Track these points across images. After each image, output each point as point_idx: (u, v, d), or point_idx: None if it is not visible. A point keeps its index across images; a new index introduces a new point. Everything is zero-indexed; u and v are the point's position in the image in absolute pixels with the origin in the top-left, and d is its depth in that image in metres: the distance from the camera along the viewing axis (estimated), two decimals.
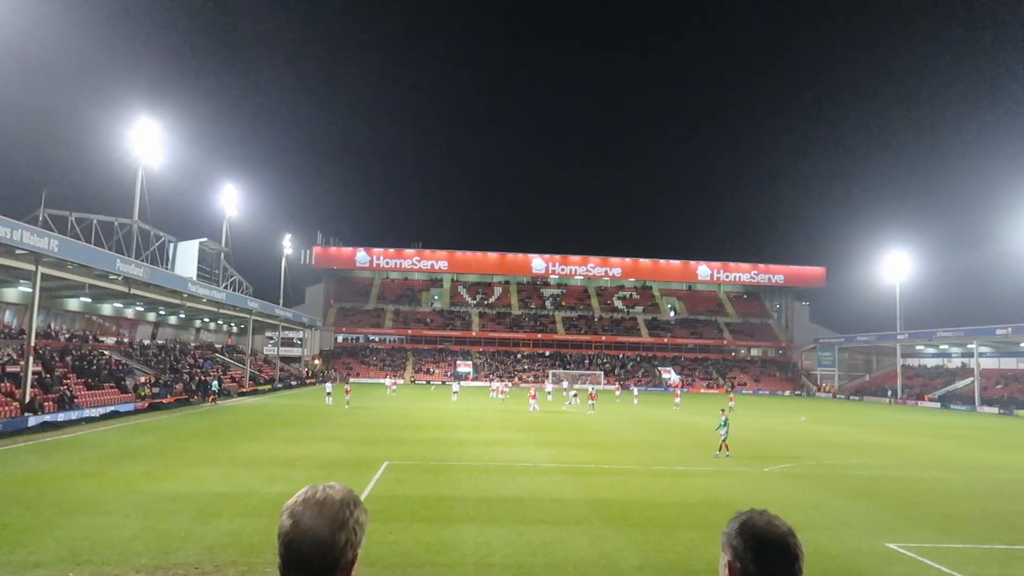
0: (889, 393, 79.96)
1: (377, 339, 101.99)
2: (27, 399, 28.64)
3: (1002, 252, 78.85)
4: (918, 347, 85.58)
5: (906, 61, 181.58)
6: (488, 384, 71.87)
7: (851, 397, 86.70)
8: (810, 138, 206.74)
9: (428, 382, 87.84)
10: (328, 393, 47.40)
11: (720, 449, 23.98)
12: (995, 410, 64.20)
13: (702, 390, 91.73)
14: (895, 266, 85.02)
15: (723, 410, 25.09)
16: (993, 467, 24.31)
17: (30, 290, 30.43)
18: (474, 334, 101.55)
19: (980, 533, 13.83)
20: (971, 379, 71.98)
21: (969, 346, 73.67)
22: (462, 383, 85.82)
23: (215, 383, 46.80)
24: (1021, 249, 70.78)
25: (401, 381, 77.75)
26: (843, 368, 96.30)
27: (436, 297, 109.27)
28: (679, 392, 59.38)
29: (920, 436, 36.08)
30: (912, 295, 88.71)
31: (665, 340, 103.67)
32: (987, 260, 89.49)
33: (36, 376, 31.52)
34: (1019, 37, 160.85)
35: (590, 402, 47.62)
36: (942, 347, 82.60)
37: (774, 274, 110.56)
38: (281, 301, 75.10)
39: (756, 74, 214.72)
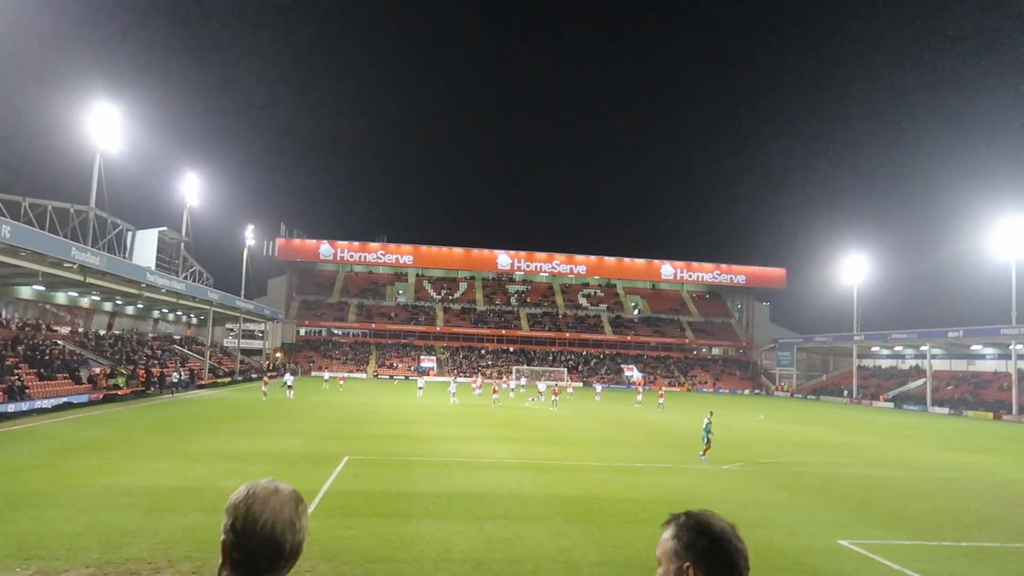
0: (845, 393, 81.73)
1: (340, 333, 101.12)
2: None
3: (955, 257, 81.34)
4: (873, 348, 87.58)
5: (865, 67, 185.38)
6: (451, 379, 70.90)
7: (808, 396, 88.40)
8: (772, 141, 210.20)
9: (391, 376, 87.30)
10: (289, 387, 46.99)
11: (705, 452, 23.04)
12: (946, 411, 66.01)
13: (663, 388, 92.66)
14: (853, 268, 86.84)
15: (711, 412, 23.97)
16: (942, 466, 24.98)
17: None
18: (438, 329, 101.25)
19: (928, 530, 14.20)
20: (923, 380, 73.92)
21: (922, 348, 75.61)
22: (426, 379, 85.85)
23: (175, 375, 45.99)
24: (973, 254, 72.97)
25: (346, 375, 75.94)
26: (801, 368, 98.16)
27: (401, 292, 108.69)
28: (641, 390, 59.94)
29: (873, 435, 36.91)
30: (869, 297, 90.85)
31: (628, 338, 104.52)
32: (941, 264, 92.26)
33: None
34: (974, 45, 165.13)
35: (553, 398, 47.99)
36: (896, 348, 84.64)
37: (736, 274, 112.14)
38: (243, 293, 73.96)
39: (719, 78, 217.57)
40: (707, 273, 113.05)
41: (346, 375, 71.44)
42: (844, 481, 20.19)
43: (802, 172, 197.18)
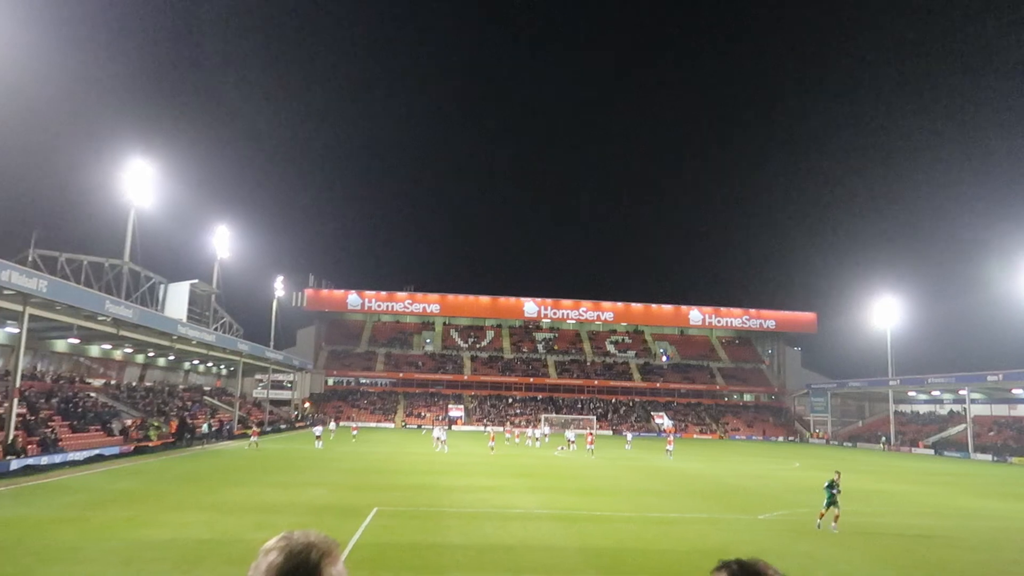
0: (883, 439, 79.58)
1: (368, 382, 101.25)
2: (10, 442, 28.14)
3: (993, 298, 79.64)
4: (910, 393, 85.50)
5: (896, 106, 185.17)
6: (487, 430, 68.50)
7: (844, 443, 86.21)
8: (801, 183, 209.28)
9: (419, 426, 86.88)
10: (317, 437, 47.05)
11: (822, 516, 19.36)
12: (989, 457, 63.90)
13: (695, 435, 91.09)
14: (886, 311, 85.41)
15: (838, 473, 19.98)
16: (987, 515, 24.09)
17: (17, 331, 30.13)
18: (466, 378, 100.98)
19: None
20: (964, 425, 71.79)
21: (961, 392, 73.64)
22: (453, 427, 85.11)
23: (205, 426, 46.18)
24: (1012, 295, 71.32)
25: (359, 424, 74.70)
26: (836, 414, 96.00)
27: (428, 340, 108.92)
28: (672, 439, 58.56)
29: (913, 483, 35.80)
30: (903, 341, 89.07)
31: (658, 385, 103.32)
32: (978, 306, 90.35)
33: (20, 418, 31.05)
34: (1010, 85, 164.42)
35: (589, 447, 47.78)
36: (934, 393, 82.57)
37: (765, 319, 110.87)
38: (272, 343, 74.62)
39: (747, 119, 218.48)
40: (736, 318, 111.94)
41: (358, 424, 69.19)
42: (885, 530, 19.54)
43: (832, 214, 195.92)
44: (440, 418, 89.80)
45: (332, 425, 49.02)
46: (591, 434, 50.98)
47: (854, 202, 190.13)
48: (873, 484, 34.15)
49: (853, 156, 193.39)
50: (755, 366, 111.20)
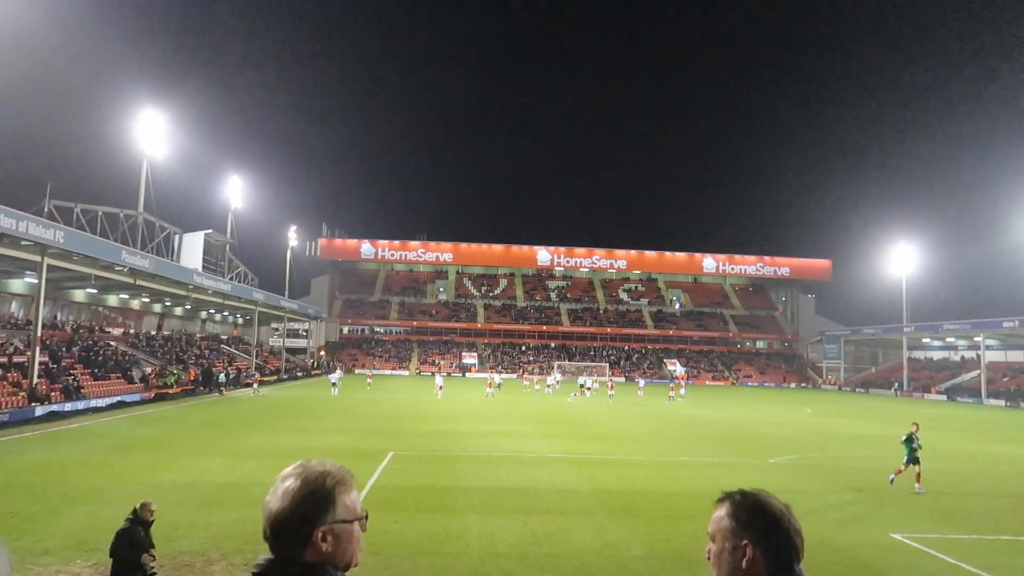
0: (895, 385, 79.77)
1: (382, 331, 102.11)
2: (34, 389, 28.78)
3: (1009, 244, 78.51)
4: (924, 340, 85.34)
5: (913, 51, 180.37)
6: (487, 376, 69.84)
7: (857, 389, 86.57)
8: (817, 129, 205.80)
9: (432, 374, 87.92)
10: (334, 384, 47.78)
11: (899, 472, 17.54)
12: (1002, 403, 64.03)
13: (707, 382, 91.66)
14: (902, 258, 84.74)
15: (916, 425, 18.31)
16: (998, 459, 24.28)
17: (36, 281, 30.51)
18: (479, 326, 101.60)
19: (985, 525, 13.79)
20: (978, 372, 71.80)
21: (976, 339, 73.45)
22: (467, 375, 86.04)
23: (222, 375, 46.91)
24: None
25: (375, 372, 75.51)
26: (849, 361, 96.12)
27: (441, 289, 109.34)
28: (683, 384, 59.09)
29: (926, 428, 35.78)
30: (919, 288, 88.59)
31: (671, 332, 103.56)
32: (994, 252, 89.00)
33: (43, 366, 31.69)
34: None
35: (609, 393, 49.67)
36: (949, 340, 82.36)
37: (780, 267, 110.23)
38: (286, 292, 75.26)
39: (761, 65, 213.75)
40: (750, 266, 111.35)
41: (372, 372, 69.62)
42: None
43: (848, 160, 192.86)
44: (436, 364, 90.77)
45: (336, 375, 49.64)
46: (611, 381, 52.21)
47: (870, 147, 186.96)
48: (885, 429, 34.34)
49: (869, 99, 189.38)
50: (768, 313, 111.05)
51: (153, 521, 8.34)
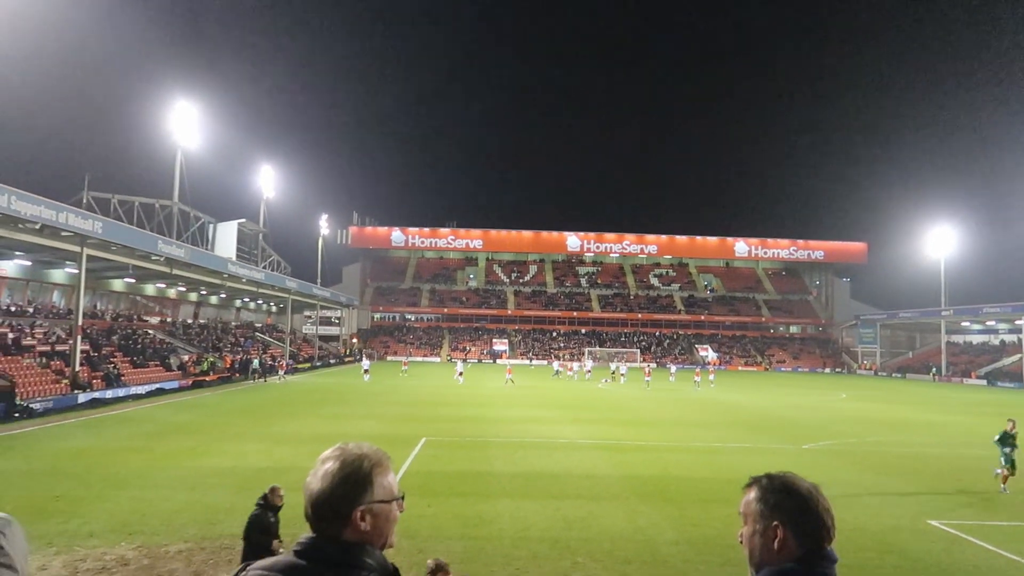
0: (933, 370, 78.33)
1: (413, 318, 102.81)
2: (76, 377, 29.55)
3: None
4: (963, 323, 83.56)
5: (949, 25, 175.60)
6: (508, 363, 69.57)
7: (893, 374, 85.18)
8: (851, 109, 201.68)
9: (465, 360, 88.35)
10: (366, 370, 48.31)
11: (1005, 480, 15.57)
12: None
13: (740, 368, 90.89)
14: (939, 240, 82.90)
15: (1012, 421, 16.10)
16: None
17: (76, 271, 31.24)
18: (510, 312, 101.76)
19: None
20: (1019, 356, 70.19)
21: (1017, 322, 71.69)
22: (497, 361, 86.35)
23: (256, 362, 47.63)
24: None
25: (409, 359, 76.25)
26: (885, 345, 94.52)
27: (471, 276, 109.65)
28: (705, 370, 58.50)
29: (964, 414, 35.36)
30: (957, 270, 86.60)
31: (702, 317, 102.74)
32: None
33: (84, 355, 32.48)
34: None
35: (646, 379, 50.25)
36: (989, 323, 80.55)
37: (813, 250, 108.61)
38: (319, 280, 76.10)
39: (795, 45, 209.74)
40: (783, 249, 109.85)
41: (408, 359, 70.06)
42: (933, 461, 19.43)
43: (883, 140, 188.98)
44: (466, 351, 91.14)
45: (366, 363, 50.33)
46: (648, 367, 54.21)
47: (906, 127, 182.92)
48: (922, 415, 33.86)
49: (905, 79, 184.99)
50: (802, 298, 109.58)
51: (282, 506, 8.41)
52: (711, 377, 53.53)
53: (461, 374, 48.49)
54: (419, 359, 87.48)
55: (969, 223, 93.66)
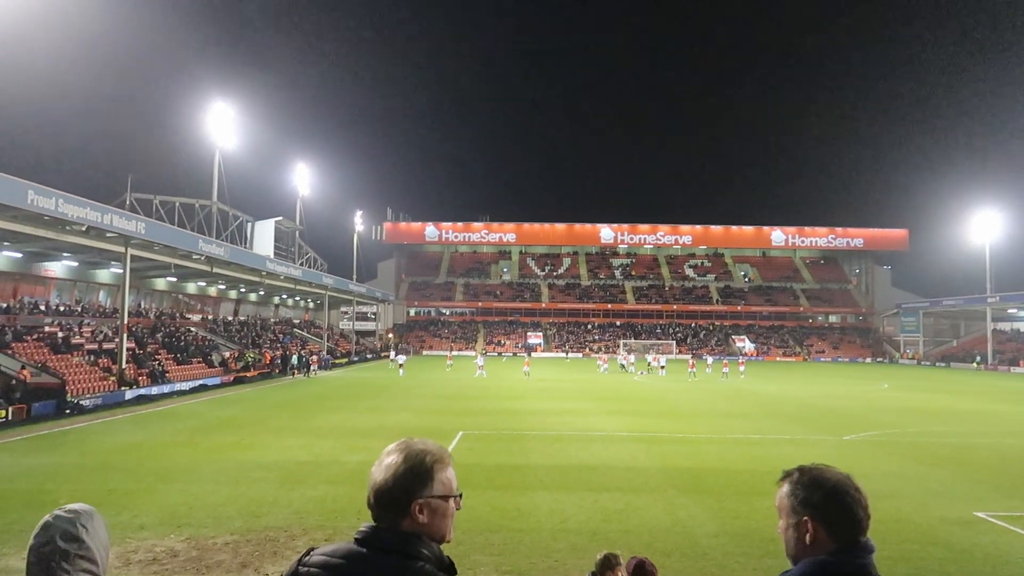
0: (977, 359, 76.48)
1: (448, 312, 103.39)
2: (123, 374, 30.35)
3: None
4: (1010, 310, 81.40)
5: (992, 6, 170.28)
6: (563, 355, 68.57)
7: (937, 364, 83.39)
8: (889, 93, 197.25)
9: (500, 353, 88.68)
10: (400, 365, 48.70)
11: None
12: None
13: (778, 358, 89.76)
14: (984, 225, 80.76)
15: None
16: None
17: (121, 271, 32.06)
18: (544, 305, 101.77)
19: None
20: None
21: None
22: (533, 354, 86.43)
23: (294, 358, 48.35)
24: None
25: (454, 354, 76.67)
26: (928, 334, 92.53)
27: (505, 269, 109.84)
28: (742, 360, 57.63)
29: (1011, 403, 34.50)
30: (1003, 255, 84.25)
31: (739, 308, 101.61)
32: None
33: (130, 352, 33.32)
34: None
35: (690, 370, 50.47)
36: None
37: (852, 238, 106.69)
38: (354, 277, 76.85)
39: (830, 28, 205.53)
40: (821, 238, 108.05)
41: (452, 353, 67.59)
42: (979, 451, 19.02)
43: (923, 123, 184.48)
44: (493, 343, 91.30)
45: (400, 357, 50.65)
46: (692, 360, 54.46)
47: (947, 110, 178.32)
48: (968, 404, 33.14)
49: (946, 60, 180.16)
50: (841, 287, 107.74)
51: None
52: (741, 368, 52.63)
53: (482, 367, 48.40)
54: (456, 352, 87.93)
55: (1014, 207, 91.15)
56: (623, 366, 59.37)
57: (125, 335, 31.73)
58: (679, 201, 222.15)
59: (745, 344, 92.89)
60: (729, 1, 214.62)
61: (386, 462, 1.90)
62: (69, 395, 25.68)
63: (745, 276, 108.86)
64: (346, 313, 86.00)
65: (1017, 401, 35.55)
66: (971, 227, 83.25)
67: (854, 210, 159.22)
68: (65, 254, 35.14)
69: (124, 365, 30.93)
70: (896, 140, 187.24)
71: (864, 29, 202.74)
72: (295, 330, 67.17)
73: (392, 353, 52.72)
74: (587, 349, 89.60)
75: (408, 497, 1.84)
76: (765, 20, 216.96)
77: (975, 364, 75.42)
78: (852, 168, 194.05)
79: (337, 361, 60.61)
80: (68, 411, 24.53)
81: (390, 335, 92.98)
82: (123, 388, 29.41)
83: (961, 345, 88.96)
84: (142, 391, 30.09)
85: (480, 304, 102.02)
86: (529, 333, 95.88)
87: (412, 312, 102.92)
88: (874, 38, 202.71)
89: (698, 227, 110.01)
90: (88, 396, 26.80)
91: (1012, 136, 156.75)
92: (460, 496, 1.98)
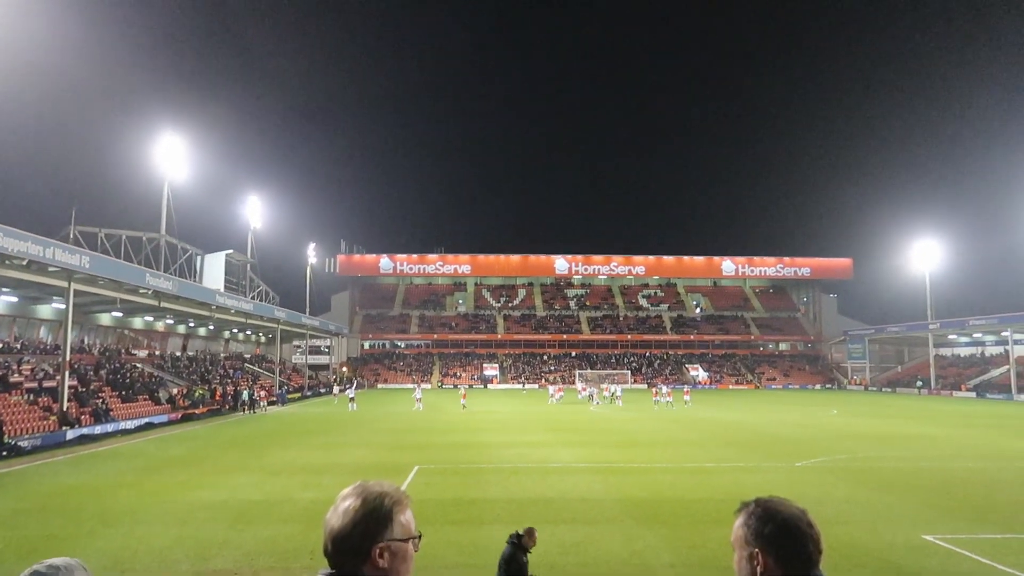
0: (919, 384, 78.69)
1: (403, 345, 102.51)
2: (64, 413, 29.25)
3: None
4: (951, 336, 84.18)
5: (930, 45, 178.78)
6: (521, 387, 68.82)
7: (883, 389, 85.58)
8: (833, 127, 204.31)
9: (455, 386, 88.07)
10: (351, 399, 47.77)
11: None
12: None
13: (731, 386, 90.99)
14: (925, 254, 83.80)
15: None
16: None
17: (63, 306, 31.05)
18: (500, 337, 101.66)
19: (1019, 523, 13.63)
20: (1007, 367, 70.71)
21: (1004, 333, 72.37)
22: (489, 386, 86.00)
23: (245, 394, 47.30)
24: None
25: (427, 386, 76.01)
26: (874, 360, 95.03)
27: (460, 301, 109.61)
28: (687, 389, 58.35)
29: (954, 426, 35.52)
30: (943, 284, 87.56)
31: (692, 337, 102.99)
32: (1020, 246, 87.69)
33: (72, 390, 32.19)
34: None
35: (654, 399, 51.76)
36: (976, 335, 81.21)
37: (800, 267, 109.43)
38: (307, 310, 75.83)
39: (776, 64, 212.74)
40: (770, 267, 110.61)
41: (417, 386, 66.48)
42: (925, 475, 19.50)
43: (866, 156, 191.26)
44: (457, 376, 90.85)
45: (349, 391, 49.75)
46: (667, 388, 55.54)
47: (889, 143, 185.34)
48: (914, 428, 33.99)
49: (886, 93, 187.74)
50: (790, 315, 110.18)
51: (532, 548, 8.37)
52: (686, 397, 52.90)
53: (419, 400, 47.83)
54: (409, 386, 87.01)
55: (953, 236, 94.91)
56: (589, 397, 58.81)
57: (67, 372, 30.66)
58: (632, 232, 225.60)
59: (699, 373, 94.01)
60: (673, 37, 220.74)
61: (343, 507, 1.85)
62: (6, 436, 24.62)
63: (697, 305, 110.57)
64: (299, 347, 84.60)
65: (959, 425, 36.61)
66: (912, 256, 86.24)
67: (801, 240, 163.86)
68: (4, 289, 33.96)
69: (66, 404, 29.84)
70: (841, 172, 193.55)
71: (806, 64, 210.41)
72: (246, 365, 65.78)
73: (335, 389, 51.86)
74: (543, 380, 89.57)
75: (368, 542, 1.81)
76: (711, 56, 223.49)
77: (917, 389, 77.55)
78: (799, 199, 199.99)
79: (291, 396, 59.47)
80: (5, 453, 23.51)
81: (344, 368, 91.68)
82: (64, 428, 28.33)
83: (906, 370, 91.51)
84: (84, 430, 29.03)
85: (435, 336, 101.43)
86: (485, 365, 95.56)
87: (367, 345, 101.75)
88: (817, 72, 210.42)
89: (651, 258, 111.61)
90: (27, 437, 25.75)
91: (952, 169, 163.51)
92: (419, 537, 1.94)
